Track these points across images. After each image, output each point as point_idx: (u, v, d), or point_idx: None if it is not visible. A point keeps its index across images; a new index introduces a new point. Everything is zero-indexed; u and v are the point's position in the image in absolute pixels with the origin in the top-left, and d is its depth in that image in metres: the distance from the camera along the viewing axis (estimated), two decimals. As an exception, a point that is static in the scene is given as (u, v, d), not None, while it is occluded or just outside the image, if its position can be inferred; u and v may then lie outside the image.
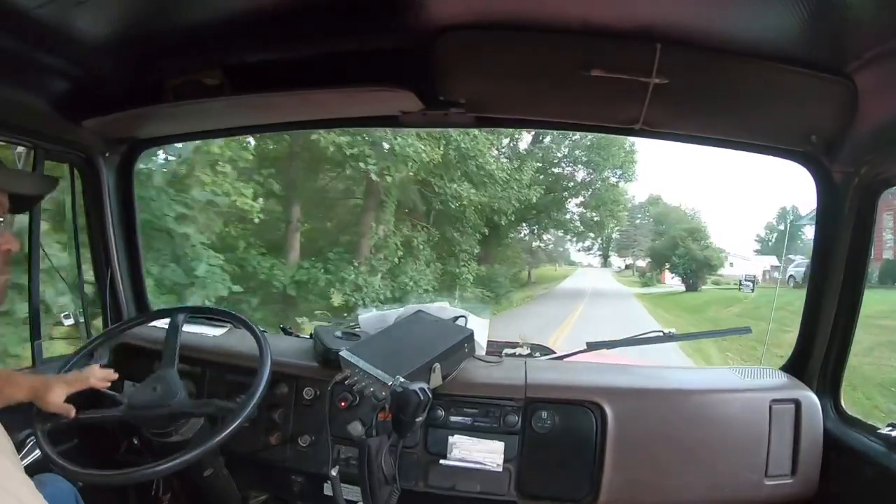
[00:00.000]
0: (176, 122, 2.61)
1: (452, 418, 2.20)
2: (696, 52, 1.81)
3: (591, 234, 28.24)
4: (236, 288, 9.44)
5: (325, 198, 16.01)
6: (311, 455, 2.29)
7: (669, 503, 2.13)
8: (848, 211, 2.08)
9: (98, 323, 2.82)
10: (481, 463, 2.14)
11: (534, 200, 19.91)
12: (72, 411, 1.97)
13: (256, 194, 10.50)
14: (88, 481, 1.97)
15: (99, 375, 2.09)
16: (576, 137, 23.85)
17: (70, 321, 2.66)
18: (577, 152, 24.23)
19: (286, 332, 2.91)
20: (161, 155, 8.15)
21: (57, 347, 3.36)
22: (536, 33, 1.84)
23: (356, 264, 13.94)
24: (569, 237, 28.35)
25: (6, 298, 1.48)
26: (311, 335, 2.61)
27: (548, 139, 24.12)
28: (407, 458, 2.14)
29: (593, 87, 1.93)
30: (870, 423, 2.07)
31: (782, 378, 2.31)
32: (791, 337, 2.43)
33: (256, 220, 10.72)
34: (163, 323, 2.54)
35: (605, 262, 33.30)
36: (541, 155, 22.49)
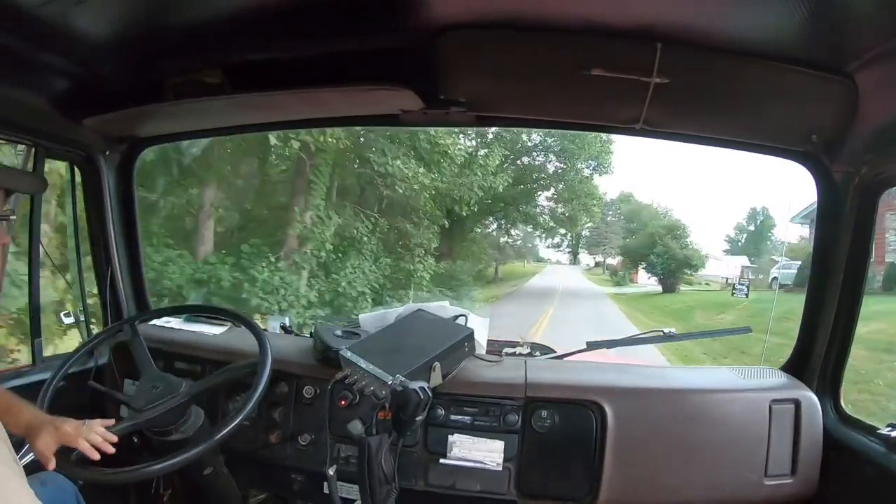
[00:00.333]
0: (176, 121, 2.62)
1: (452, 417, 2.20)
2: (696, 52, 1.81)
3: (562, 230, 26.90)
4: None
5: (252, 178, 13.04)
6: (310, 453, 2.29)
7: (669, 502, 2.13)
8: (848, 210, 2.08)
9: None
10: (481, 462, 2.15)
11: (500, 189, 17.90)
12: (50, 464, 1.82)
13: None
14: (89, 479, 1.97)
15: (95, 440, 1.87)
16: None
17: (70, 320, 2.66)
18: (549, 140, 22.15)
19: (286, 330, 2.91)
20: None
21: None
22: (537, 32, 1.84)
23: (272, 259, 11.38)
24: (538, 233, 27.25)
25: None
26: (311, 334, 2.61)
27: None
28: (407, 457, 2.14)
29: (594, 87, 1.93)
30: (869, 423, 2.07)
31: (782, 378, 2.31)
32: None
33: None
34: (163, 322, 2.55)
35: (575, 260, 31.96)
36: (508, 138, 19.98)
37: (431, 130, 13.05)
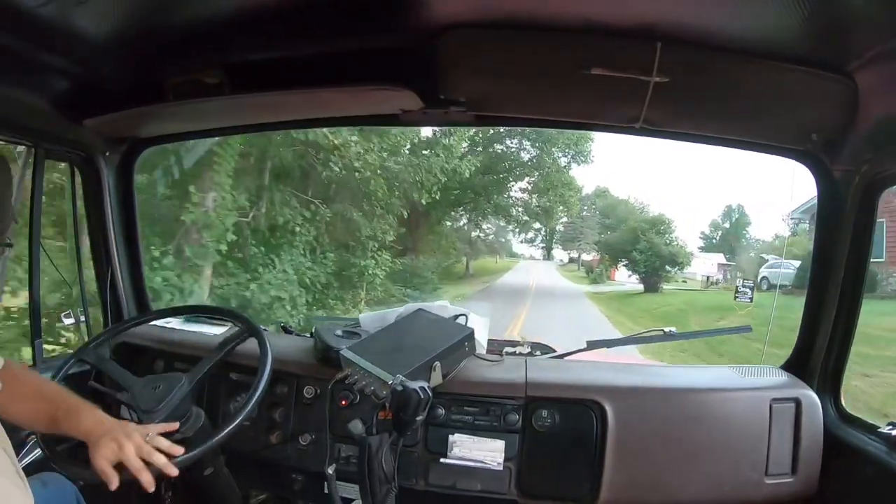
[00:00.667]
0: (176, 122, 2.62)
1: (453, 417, 2.20)
2: (696, 51, 1.81)
3: (536, 225, 25.69)
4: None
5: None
6: (311, 454, 2.29)
7: (670, 501, 2.13)
8: (848, 209, 2.08)
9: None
10: (481, 461, 2.15)
11: (466, 175, 15.97)
12: (112, 482, 1.70)
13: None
14: (89, 480, 1.96)
15: (160, 462, 1.76)
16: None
17: (70, 320, 2.66)
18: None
19: (287, 330, 2.91)
20: None
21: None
22: (537, 32, 1.84)
23: (157, 254, 8.32)
24: (511, 227, 25.76)
25: None
26: (311, 334, 2.61)
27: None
28: (407, 457, 2.15)
29: (594, 86, 1.93)
30: (870, 422, 2.07)
31: (783, 377, 2.31)
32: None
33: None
34: (163, 322, 2.55)
35: (549, 255, 30.42)
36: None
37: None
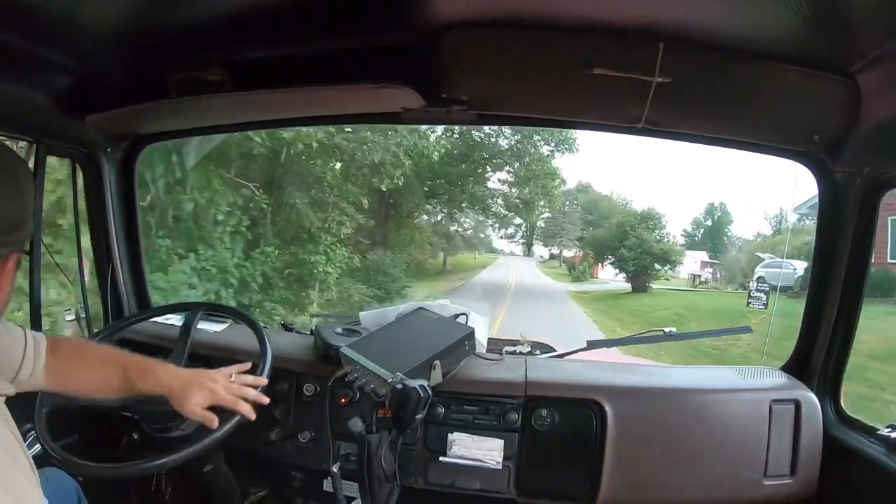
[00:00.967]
0: (178, 118, 2.62)
1: (452, 415, 2.20)
2: (698, 51, 1.81)
3: (517, 220, 24.63)
4: None
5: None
6: (311, 451, 2.30)
7: (668, 501, 2.14)
8: (850, 211, 2.07)
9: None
10: (481, 460, 2.15)
11: (435, 158, 14.79)
12: (214, 422, 1.79)
13: None
14: (89, 474, 1.97)
15: (249, 394, 1.87)
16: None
17: (71, 317, 2.67)
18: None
19: (287, 328, 2.92)
20: None
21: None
22: (539, 31, 1.84)
23: None
24: (490, 222, 24.53)
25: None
26: (311, 331, 2.62)
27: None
28: (407, 455, 2.15)
29: (596, 86, 1.93)
30: (869, 424, 2.07)
31: (782, 378, 2.31)
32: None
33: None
34: (163, 319, 2.55)
35: (529, 252, 28.83)
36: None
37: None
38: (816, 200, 2.25)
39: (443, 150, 15.69)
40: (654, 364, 3.10)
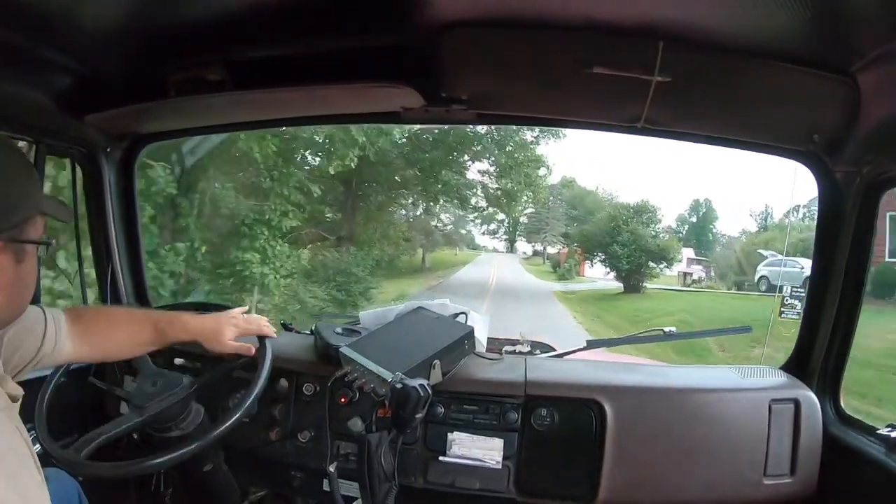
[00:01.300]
0: (178, 118, 2.62)
1: (452, 415, 2.20)
2: (698, 50, 1.80)
3: (499, 216, 23.85)
4: None
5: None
6: (310, 451, 2.30)
7: (668, 501, 2.13)
8: (850, 210, 2.07)
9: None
10: (480, 460, 2.15)
11: (398, 139, 14.16)
12: (251, 349, 2.05)
13: None
14: (89, 474, 1.97)
15: (264, 321, 2.13)
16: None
17: None
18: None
19: (286, 327, 2.91)
20: None
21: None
22: (539, 30, 1.84)
23: None
24: (472, 216, 23.74)
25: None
26: (311, 331, 2.62)
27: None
28: (406, 455, 2.15)
29: (595, 85, 1.93)
30: (869, 423, 2.08)
31: (782, 377, 2.31)
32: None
33: None
34: None
35: (512, 248, 28.58)
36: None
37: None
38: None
39: (407, 130, 15.03)
40: (654, 363, 3.10)
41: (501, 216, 24.96)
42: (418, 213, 21.50)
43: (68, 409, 2.01)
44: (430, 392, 1.82)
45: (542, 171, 20.07)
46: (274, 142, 10.10)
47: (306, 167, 12.03)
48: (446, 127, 16.10)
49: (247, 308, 2.18)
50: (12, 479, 1.10)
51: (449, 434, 2.18)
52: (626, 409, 2.14)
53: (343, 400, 2.25)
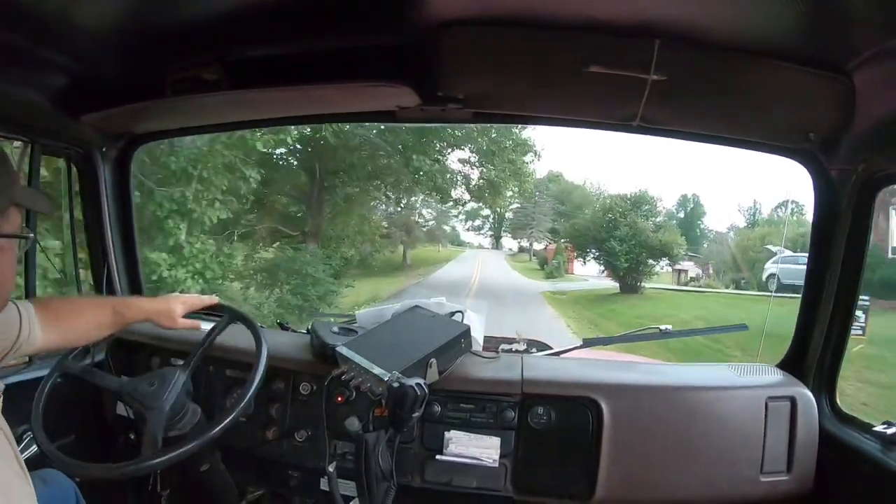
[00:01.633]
0: (174, 117, 2.62)
1: (449, 414, 2.21)
2: (694, 49, 1.81)
3: (484, 211, 22.80)
4: None
5: None
6: (307, 450, 2.30)
7: (665, 499, 2.14)
8: (845, 208, 2.08)
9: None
10: (477, 458, 2.15)
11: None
12: (198, 325, 2.19)
13: None
14: (85, 475, 1.97)
15: (206, 298, 2.26)
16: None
17: None
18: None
19: (283, 327, 2.92)
20: None
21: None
22: (535, 29, 1.84)
23: None
24: (454, 212, 22.68)
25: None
26: (307, 330, 2.62)
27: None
28: (403, 454, 2.16)
29: (591, 84, 1.93)
30: (865, 420, 2.08)
31: (778, 375, 2.32)
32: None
33: None
34: None
35: (497, 244, 27.73)
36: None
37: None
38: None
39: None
40: (651, 361, 3.10)
41: (486, 211, 24.34)
42: (399, 208, 20.40)
43: (65, 409, 2.01)
44: (426, 391, 1.83)
45: (528, 157, 18.31)
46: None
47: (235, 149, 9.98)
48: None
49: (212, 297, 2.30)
50: None
51: (446, 433, 2.18)
52: (622, 407, 2.14)
53: (340, 399, 2.25)
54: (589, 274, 20.67)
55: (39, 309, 1.81)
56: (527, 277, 22.39)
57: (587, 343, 2.65)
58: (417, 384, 1.80)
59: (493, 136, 16.69)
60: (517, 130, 16.92)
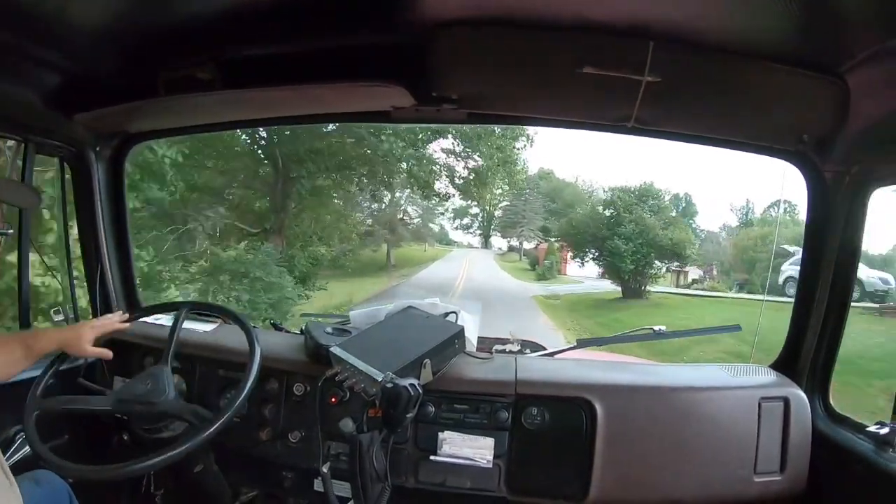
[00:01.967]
0: (168, 117, 2.61)
1: (443, 414, 2.21)
2: (688, 51, 1.81)
3: (473, 208, 21.82)
4: None
5: None
6: (301, 451, 2.29)
7: (659, 499, 2.14)
8: (839, 209, 2.09)
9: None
10: (471, 459, 2.15)
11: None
12: (108, 354, 2.14)
13: None
14: (78, 476, 1.97)
15: (117, 319, 2.24)
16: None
17: (60, 317, 2.65)
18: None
19: (277, 327, 2.91)
20: None
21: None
22: (530, 30, 1.84)
23: None
24: (440, 210, 21.65)
25: None
26: (301, 331, 2.61)
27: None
28: (397, 454, 2.15)
29: (586, 85, 1.93)
30: (858, 421, 2.09)
31: (772, 376, 2.32)
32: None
33: None
34: (153, 319, 2.54)
35: (486, 244, 26.34)
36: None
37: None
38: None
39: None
40: (644, 362, 3.11)
41: (476, 210, 23.64)
42: (379, 204, 18.94)
43: (58, 410, 2.01)
44: (420, 391, 1.83)
45: (520, 144, 16.59)
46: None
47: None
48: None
49: (123, 314, 2.32)
50: None
51: (440, 433, 2.18)
52: (616, 407, 2.15)
53: (333, 400, 2.25)
54: (584, 275, 19.08)
55: None
56: (517, 279, 21.12)
57: (581, 344, 2.66)
58: (411, 384, 1.80)
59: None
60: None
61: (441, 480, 2.17)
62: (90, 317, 2.77)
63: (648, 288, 16.17)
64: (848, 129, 1.91)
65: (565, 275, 20.24)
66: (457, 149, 16.19)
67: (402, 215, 20.82)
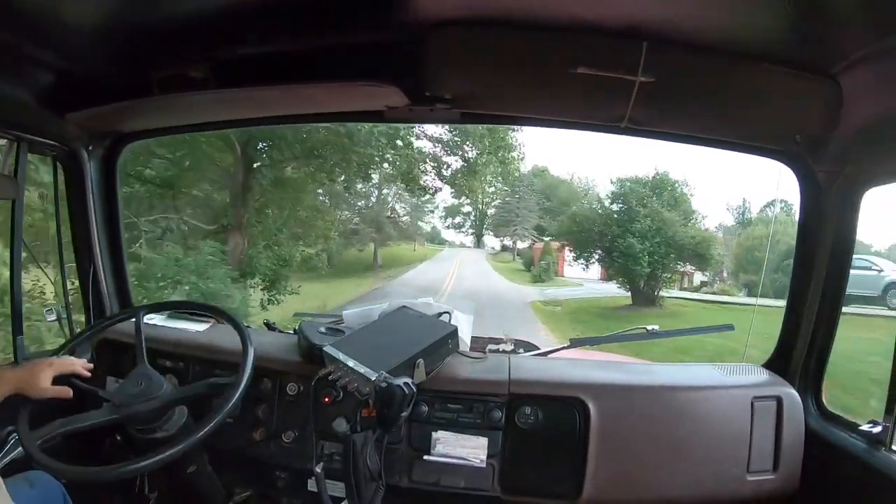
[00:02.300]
0: (161, 116, 2.60)
1: (436, 414, 2.20)
2: (682, 51, 1.82)
3: (465, 206, 21.13)
4: None
5: None
6: (295, 451, 2.29)
7: (652, 498, 2.15)
8: (831, 210, 2.10)
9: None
10: (465, 458, 2.15)
11: None
12: (68, 392, 2.01)
13: None
14: (71, 478, 1.96)
15: (80, 363, 2.12)
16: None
17: (52, 317, 2.64)
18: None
19: (270, 327, 2.90)
20: None
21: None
22: (524, 30, 1.84)
23: None
24: (431, 207, 20.97)
25: None
26: (294, 330, 2.61)
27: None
28: (391, 454, 2.15)
29: (579, 85, 1.93)
30: (851, 419, 2.10)
31: (764, 375, 2.33)
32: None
33: None
34: (146, 319, 2.53)
35: (479, 243, 25.24)
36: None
37: None
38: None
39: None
40: (638, 361, 3.11)
41: (468, 208, 23.13)
42: (363, 201, 18.05)
43: (50, 409, 2.00)
44: (414, 390, 1.83)
45: (511, 132, 14.85)
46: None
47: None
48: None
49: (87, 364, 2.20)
50: None
51: (433, 433, 2.18)
52: (609, 407, 2.15)
53: (327, 399, 2.24)
54: (583, 277, 17.45)
55: None
56: (511, 281, 19.71)
57: (574, 343, 2.65)
58: (405, 383, 1.80)
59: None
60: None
61: (435, 480, 2.17)
62: (83, 316, 2.77)
63: (661, 294, 14.51)
64: (841, 130, 1.92)
65: (562, 276, 19.04)
66: (444, 137, 14.80)
67: (389, 213, 20.07)
